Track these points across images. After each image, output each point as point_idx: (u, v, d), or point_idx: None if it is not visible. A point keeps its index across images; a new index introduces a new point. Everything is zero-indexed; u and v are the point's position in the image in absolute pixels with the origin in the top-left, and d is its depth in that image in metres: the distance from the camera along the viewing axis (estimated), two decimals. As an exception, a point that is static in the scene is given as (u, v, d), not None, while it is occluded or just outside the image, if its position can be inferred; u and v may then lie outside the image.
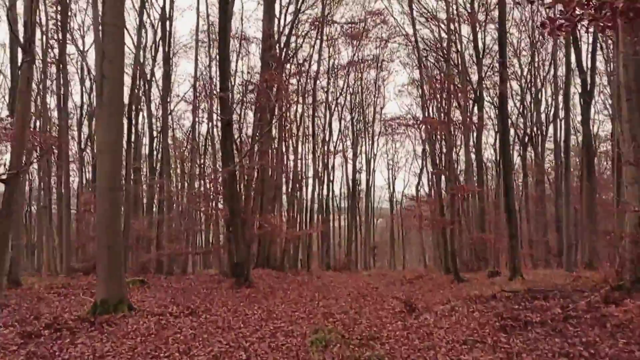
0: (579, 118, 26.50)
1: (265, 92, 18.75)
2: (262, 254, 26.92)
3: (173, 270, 26.79)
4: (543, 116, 35.37)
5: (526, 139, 36.04)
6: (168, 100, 26.12)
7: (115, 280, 11.09)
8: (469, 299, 12.90)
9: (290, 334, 9.64)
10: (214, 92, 19.77)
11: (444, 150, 25.77)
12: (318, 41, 33.51)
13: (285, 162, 38.43)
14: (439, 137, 26.02)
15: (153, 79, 31.55)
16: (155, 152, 32.76)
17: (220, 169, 18.89)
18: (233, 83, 28.37)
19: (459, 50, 27.16)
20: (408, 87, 43.85)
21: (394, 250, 52.87)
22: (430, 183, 47.18)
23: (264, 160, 20.16)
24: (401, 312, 12.10)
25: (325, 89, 42.19)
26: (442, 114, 22.94)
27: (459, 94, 22.34)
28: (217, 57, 19.74)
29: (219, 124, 20.73)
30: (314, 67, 35.82)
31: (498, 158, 40.04)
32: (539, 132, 35.90)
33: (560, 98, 29.31)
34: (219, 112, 17.77)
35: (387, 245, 56.01)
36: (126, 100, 22.47)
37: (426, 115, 23.70)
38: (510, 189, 19.25)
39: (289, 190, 39.80)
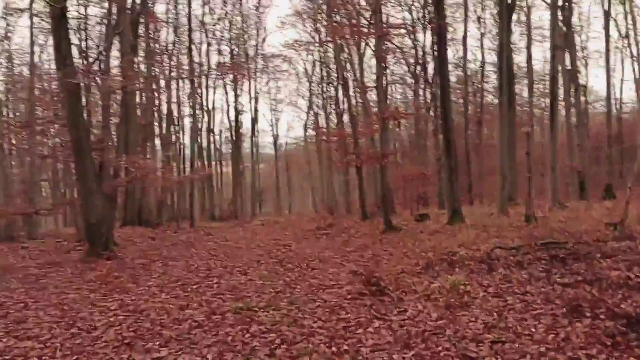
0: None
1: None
2: (131, 207, 20.54)
3: (14, 235, 19.51)
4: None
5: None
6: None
7: None
8: (453, 264, 8.18)
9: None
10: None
11: (356, 67, 20.42)
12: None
13: (157, 98, 31.41)
14: (350, 49, 20.57)
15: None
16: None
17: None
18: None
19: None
20: (292, 19, 37.83)
21: (279, 195, 48.04)
22: (315, 120, 41.87)
23: (127, 80, 13.60)
24: (361, 296, 7.07)
25: (201, 17, 35.06)
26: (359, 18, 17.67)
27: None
28: None
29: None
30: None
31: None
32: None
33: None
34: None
35: (270, 190, 51.07)
36: None
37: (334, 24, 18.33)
38: (449, 112, 14.83)
39: (163, 132, 32.99)
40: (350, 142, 26.89)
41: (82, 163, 11.68)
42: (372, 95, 27.94)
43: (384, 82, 16.84)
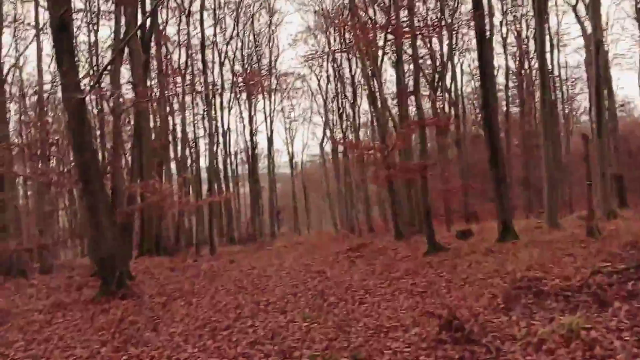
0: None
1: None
2: (148, 235, 18.99)
3: (25, 269, 18.01)
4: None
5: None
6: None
7: None
8: (542, 296, 6.49)
9: None
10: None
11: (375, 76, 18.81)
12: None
13: (171, 119, 30.25)
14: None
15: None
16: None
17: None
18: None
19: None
20: (304, 36, 36.68)
21: (297, 214, 46.41)
22: (332, 136, 39.97)
23: (138, 98, 12.22)
24: (441, 343, 5.40)
25: (212, 38, 33.93)
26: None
27: None
28: None
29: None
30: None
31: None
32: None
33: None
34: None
35: (288, 210, 49.46)
36: None
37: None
38: (493, 117, 13.21)
39: (178, 155, 31.66)
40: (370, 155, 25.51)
41: (90, 190, 10.19)
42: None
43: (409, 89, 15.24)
